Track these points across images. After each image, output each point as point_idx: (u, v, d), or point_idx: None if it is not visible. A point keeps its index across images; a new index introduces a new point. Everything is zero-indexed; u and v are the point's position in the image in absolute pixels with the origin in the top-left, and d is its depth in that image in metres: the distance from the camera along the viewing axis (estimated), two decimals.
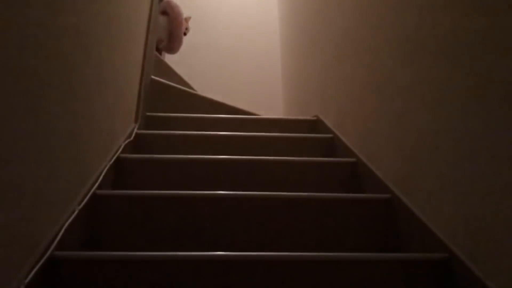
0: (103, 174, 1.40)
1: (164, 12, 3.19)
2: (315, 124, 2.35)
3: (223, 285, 1.04)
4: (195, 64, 3.47)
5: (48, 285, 0.99)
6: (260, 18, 4.34)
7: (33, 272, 0.90)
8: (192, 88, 3.13)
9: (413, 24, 1.35)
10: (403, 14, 1.43)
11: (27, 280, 0.87)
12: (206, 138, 1.93)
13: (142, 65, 2.22)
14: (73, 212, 1.14)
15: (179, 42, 3.14)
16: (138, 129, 1.98)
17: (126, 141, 1.74)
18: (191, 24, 4.11)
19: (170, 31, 3.09)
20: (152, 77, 2.47)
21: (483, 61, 1.01)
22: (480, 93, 1.02)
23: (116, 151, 1.60)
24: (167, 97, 2.56)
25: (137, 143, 1.88)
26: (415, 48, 1.33)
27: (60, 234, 1.04)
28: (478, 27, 1.03)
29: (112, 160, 1.53)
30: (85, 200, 1.23)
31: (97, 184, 1.33)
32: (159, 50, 3.13)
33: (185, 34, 3.14)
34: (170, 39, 3.12)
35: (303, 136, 2.02)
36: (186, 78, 3.28)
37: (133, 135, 1.86)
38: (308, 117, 2.45)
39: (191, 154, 1.86)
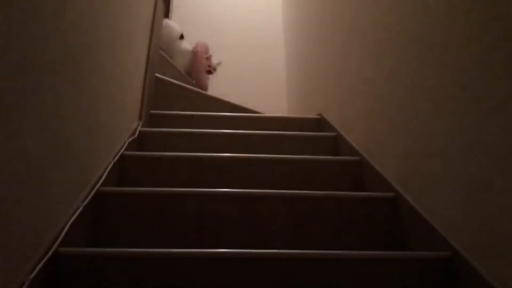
0: (107, 171, 1.40)
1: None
2: (318, 123, 2.35)
3: (227, 282, 1.04)
4: None
5: (53, 281, 0.99)
6: (264, 17, 4.34)
7: (38, 267, 0.90)
8: (196, 86, 3.14)
9: (417, 22, 1.34)
10: (408, 11, 1.42)
11: (32, 276, 0.87)
12: (209, 136, 1.93)
13: (146, 63, 2.22)
14: (77, 209, 1.15)
15: (199, 76, 3.16)
16: (142, 126, 1.98)
17: (130, 139, 1.75)
18: (196, 23, 4.10)
19: (191, 65, 3.18)
20: (156, 75, 2.47)
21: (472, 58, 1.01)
22: (482, 94, 1.01)
23: (120, 148, 1.61)
24: (171, 95, 2.56)
25: (141, 141, 1.89)
26: (419, 47, 1.33)
27: (65, 230, 1.04)
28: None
29: (116, 157, 1.53)
30: (90, 197, 1.23)
31: (101, 181, 1.33)
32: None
33: (210, 72, 3.21)
34: (191, 72, 3.20)
35: (307, 134, 2.02)
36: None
37: (137, 132, 1.86)
38: (312, 116, 2.45)
39: (195, 152, 1.86)
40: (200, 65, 3.15)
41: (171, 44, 3.14)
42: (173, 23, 3.25)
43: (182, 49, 3.17)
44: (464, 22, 1.11)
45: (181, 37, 3.24)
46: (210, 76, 3.26)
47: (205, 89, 3.22)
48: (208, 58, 3.20)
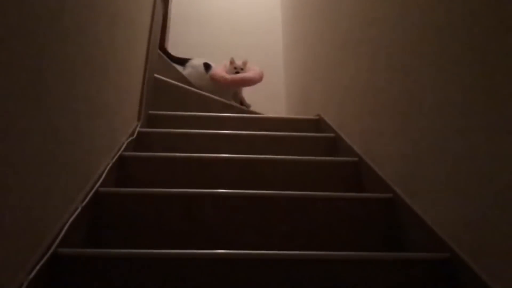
0: (106, 171, 1.40)
1: None
2: (317, 123, 2.35)
3: (226, 283, 1.04)
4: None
5: (52, 282, 0.99)
6: (263, 17, 4.34)
7: (36, 268, 0.90)
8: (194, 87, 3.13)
9: (417, 24, 1.35)
10: (407, 14, 1.43)
11: (30, 276, 0.87)
12: (208, 137, 1.93)
13: (145, 63, 2.22)
14: (76, 210, 1.14)
15: (228, 83, 3.02)
16: (141, 127, 1.99)
17: (129, 139, 1.75)
18: (195, 23, 4.09)
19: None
20: (155, 75, 2.47)
21: (481, 62, 1.01)
22: (482, 94, 1.02)
23: (119, 149, 1.61)
24: (169, 95, 2.56)
25: (140, 141, 1.89)
26: (418, 49, 1.33)
27: (63, 231, 1.04)
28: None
29: (115, 158, 1.53)
30: (88, 197, 1.23)
31: (100, 182, 1.33)
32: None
33: (237, 72, 3.06)
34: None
35: (306, 135, 2.02)
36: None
37: (136, 133, 1.87)
38: (311, 116, 2.45)
39: (193, 153, 1.86)
40: (220, 73, 3.01)
41: (202, 79, 3.07)
42: (195, 61, 3.17)
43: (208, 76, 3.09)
44: (465, 24, 1.11)
45: (206, 67, 3.14)
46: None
47: (239, 78, 3.04)
48: (231, 62, 3.07)
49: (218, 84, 2.98)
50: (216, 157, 1.65)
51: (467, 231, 1.05)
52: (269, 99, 3.84)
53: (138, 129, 1.91)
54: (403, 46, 1.44)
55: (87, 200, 1.22)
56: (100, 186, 1.33)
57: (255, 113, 2.84)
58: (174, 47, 3.75)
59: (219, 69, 3.06)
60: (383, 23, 1.61)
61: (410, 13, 1.40)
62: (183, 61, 3.20)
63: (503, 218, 0.93)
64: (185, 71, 3.15)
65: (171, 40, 3.86)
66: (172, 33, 3.88)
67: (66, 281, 1.01)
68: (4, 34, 0.75)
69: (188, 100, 2.62)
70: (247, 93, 3.39)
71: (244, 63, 3.13)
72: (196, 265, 1.05)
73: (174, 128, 2.12)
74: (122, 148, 1.63)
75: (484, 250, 0.99)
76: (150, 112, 2.24)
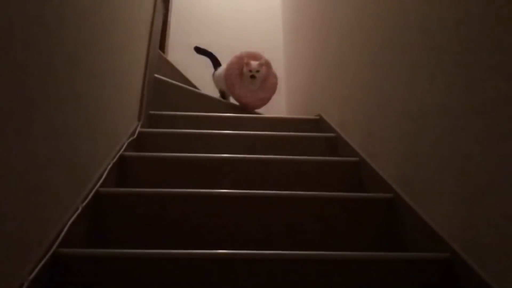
0: (106, 172, 1.41)
1: None
2: (318, 123, 2.35)
3: (225, 283, 1.04)
4: (198, 64, 3.48)
5: (52, 282, 0.99)
6: (263, 17, 4.34)
7: (37, 269, 0.90)
8: (195, 87, 3.13)
9: (418, 22, 1.35)
10: (407, 12, 1.42)
11: (31, 277, 0.87)
12: (209, 137, 1.93)
13: (145, 64, 2.22)
14: (76, 210, 1.15)
15: (232, 91, 2.78)
16: (141, 127, 1.99)
17: (129, 139, 1.75)
18: (195, 24, 4.08)
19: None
20: (155, 75, 2.47)
21: (480, 65, 1.01)
22: (483, 94, 1.02)
23: (119, 149, 1.61)
24: (170, 95, 2.56)
25: (140, 141, 1.89)
26: (419, 47, 1.33)
27: (64, 231, 1.04)
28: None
29: (115, 158, 1.53)
30: (89, 197, 1.23)
31: (100, 182, 1.33)
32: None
33: (253, 76, 2.74)
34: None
35: (306, 135, 2.02)
36: (189, 76, 3.28)
37: (136, 133, 1.87)
38: (311, 116, 2.45)
39: (194, 153, 1.86)
40: (229, 87, 2.80)
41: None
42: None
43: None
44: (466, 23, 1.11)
45: None
46: (257, 84, 2.78)
47: (243, 102, 2.79)
48: (247, 64, 2.75)
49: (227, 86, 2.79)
50: (217, 157, 1.65)
51: (468, 231, 1.05)
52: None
53: (138, 129, 1.91)
54: (405, 46, 1.44)
55: (87, 200, 1.22)
56: (101, 186, 1.33)
57: (256, 113, 2.84)
58: (175, 48, 3.76)
59: (234, 69, 2.77)
60: (384, 22, 1.61)
61: (409, 11, 1.40)
62: (217, 64, 3.03)
63: (504, 218, 0.93)
64: (218, 70, 3.00)
65: (172, 40, 3.86)
66: (173, 33, 3.88)
67: (66, 282, 1.01)
68: (3, 34, 0.75)
69: (188, 100, 2.62)
70: None
71: (261, 65, 2.76)
72: (197, 265, 1.05)
73: (174, 128, 2.12)
74: (123, 148, 1.63)
75: (485, 250, 0.99)
76: (151, 112, 2.24)
